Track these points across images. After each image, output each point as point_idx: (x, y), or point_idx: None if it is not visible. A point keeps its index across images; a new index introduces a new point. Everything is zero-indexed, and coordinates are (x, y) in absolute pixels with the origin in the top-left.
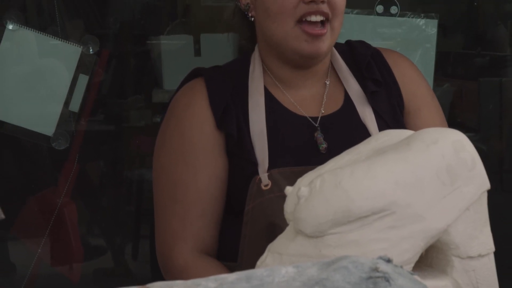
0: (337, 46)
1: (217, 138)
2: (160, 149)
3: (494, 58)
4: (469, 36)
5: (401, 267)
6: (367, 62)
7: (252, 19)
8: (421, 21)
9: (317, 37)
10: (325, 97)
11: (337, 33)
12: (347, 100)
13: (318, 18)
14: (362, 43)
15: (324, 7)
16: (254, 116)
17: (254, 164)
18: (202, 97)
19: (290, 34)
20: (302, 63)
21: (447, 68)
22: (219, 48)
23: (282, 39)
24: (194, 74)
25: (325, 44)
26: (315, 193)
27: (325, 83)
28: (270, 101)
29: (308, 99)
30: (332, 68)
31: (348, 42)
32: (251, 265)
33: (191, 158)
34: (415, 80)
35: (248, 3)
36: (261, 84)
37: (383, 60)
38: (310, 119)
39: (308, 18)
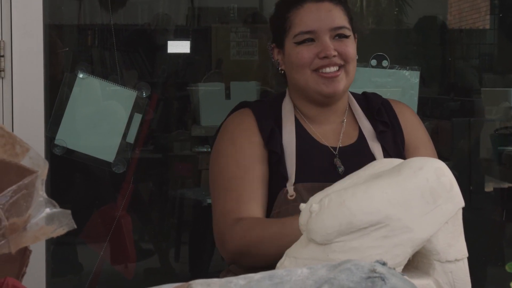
0: (355, 95)
1: (263, 151)
2: (216, 155)
3: (464, 102)
4: (444, 85)
5: (394, 269)
6: (378, 108)
7: (282, 72)
8: (406, 73)
9: (333, 78)
10: (342, 132)
11: (352, 75)
12: (361, 135)
13: (332, 69)
14: (374, 94)
15: (336, 59)
16: (287, 140)
17: (285, 178)
18: (251, 120)
19: (310, 80)
20: (324, 101)
21: (427, 110)
22: (244, 93)
23: (305, 85)
24: (241, 106)
25: (341, 84)
26: (324, 209)
27: (343, 120)
28: (299, 130)
29: (329, 133)
30: (349, 109)
31: (364, 92)
32: None
33: (242, 161)
34: (416, 125)
35: (277, 60)
36: (292, 116)
37: (391, 108)
38: (330, 148)
39: (323, 70)
